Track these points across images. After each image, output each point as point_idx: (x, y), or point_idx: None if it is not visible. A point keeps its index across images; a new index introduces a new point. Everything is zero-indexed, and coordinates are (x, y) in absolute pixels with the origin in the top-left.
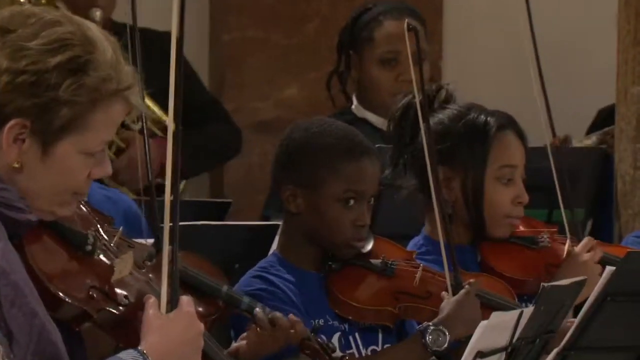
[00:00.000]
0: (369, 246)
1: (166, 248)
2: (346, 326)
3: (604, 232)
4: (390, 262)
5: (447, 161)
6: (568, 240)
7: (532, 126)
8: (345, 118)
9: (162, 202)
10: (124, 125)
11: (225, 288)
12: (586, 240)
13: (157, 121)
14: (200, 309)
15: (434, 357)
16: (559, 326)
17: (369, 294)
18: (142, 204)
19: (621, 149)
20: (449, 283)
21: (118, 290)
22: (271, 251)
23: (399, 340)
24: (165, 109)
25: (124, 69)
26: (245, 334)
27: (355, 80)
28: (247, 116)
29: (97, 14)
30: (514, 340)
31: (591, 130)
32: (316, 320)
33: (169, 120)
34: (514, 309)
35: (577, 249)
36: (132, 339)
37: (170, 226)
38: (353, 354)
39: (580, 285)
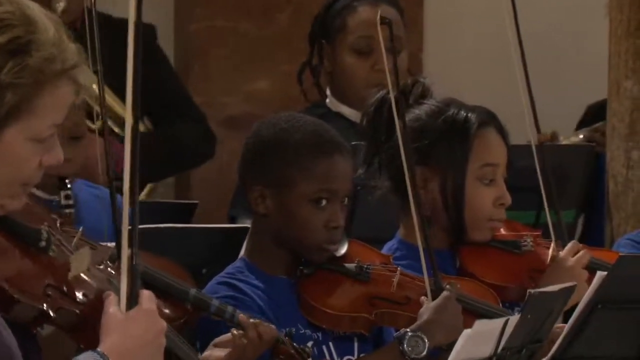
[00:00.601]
0: (343, 249)
1: (125, 241)
2: (319, 335)
3: (594, 235)
4: (365, 266)
5: (425, 160)
6: (552, 244)
7: (517, 122)
8: (319, 112)
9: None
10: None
11: (193, 291)
12: (571, 244)
13: (119, 120)
14: (168, 312)
15: None
16: (547, 335)
17: (344, 300)
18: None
19: (613, 147)
20: (428, 287)
21: (76, 288)
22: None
23: (376, 349)
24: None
25: (68, 47)
26: (218, 340)
27: (328, 72)
28: (214, 111)
29: (61, 4)
30: (499, 350)
31: (580, 127)
32: (286, 329)
33: (127, 115)
34: (498, 315)
35: (562, 253)
36: (93, 340)
37: (129, 213)
38: None
39: (569, 291)
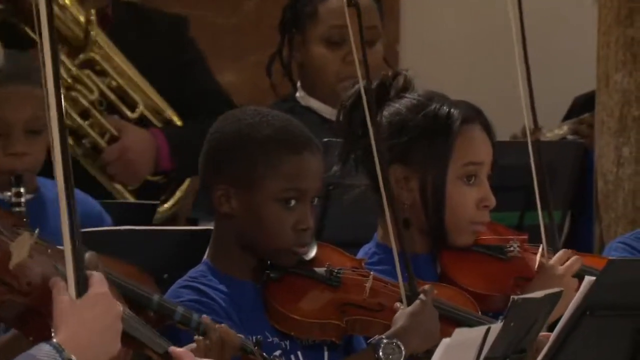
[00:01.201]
0: (312, 253)
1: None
2: (287, 343)
3: (581, 238)
4: (336, 270)
5: (404, 158)
6: (540, 250)
7: (501, 117)
8: (289, 106)
9: None
10: (117, 112)
11: (156, 297)
12: (562, 252)
13: (156, 111)
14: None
15: None
16: (532, 344)
17: (313, 306)
18: None
19: (602, 143)
20: (403, 292)
21: (19, 277)
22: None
23: (347, 358)
24: (167, 97)
25: None
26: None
27: (299, 63)
28: None
29: None
30: None
31: (566, 120)
32: (253, 337)
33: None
34: (478, 322)
35: (552, 261)
36: (43, 332)
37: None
38: None
39: (555, 297)
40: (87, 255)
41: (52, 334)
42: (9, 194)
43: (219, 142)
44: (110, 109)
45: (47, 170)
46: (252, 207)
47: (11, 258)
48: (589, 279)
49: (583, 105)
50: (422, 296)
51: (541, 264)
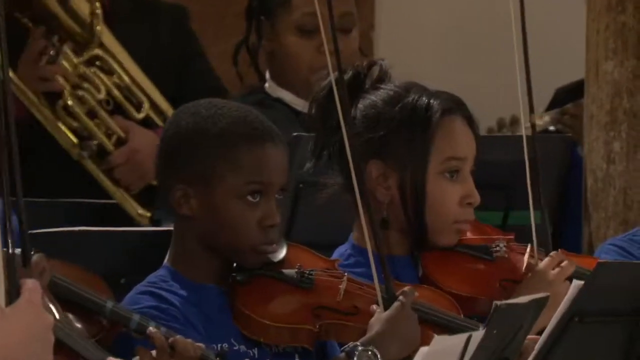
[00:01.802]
0: (282, 254)
1: None
2: (256, 351)
3: (569, 239)
4: (307, 272)
5: (382, 154)
6: (529, 249)
7: (482, 109)
8: (258, 99)
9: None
10: (122, 113)
11: (110, 304)
12: (554, 254)
13: (159, 111)
14: (80, 328)
15: None
16: (516, 353)
17: (283, 310)
18: None
19: (591, 138)
20: (379, 295)
21: None
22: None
23: None
24: (167, 92)
25: None
26: None
27: (268, 52)
28: None
29: None
30: None
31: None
32: (219, 345)
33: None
34: (460, 326)
35: (542, 265)
36: None
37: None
38: None
39: (541, 303)
40: (35, 257)
41: None
42: None
43: (174, 139)
44: (115, 109)
45: None
46: (213, 206)
47: None
48: (577, 283)
49: (565, 97)
50: (401, 298)
51: (529, 265)
